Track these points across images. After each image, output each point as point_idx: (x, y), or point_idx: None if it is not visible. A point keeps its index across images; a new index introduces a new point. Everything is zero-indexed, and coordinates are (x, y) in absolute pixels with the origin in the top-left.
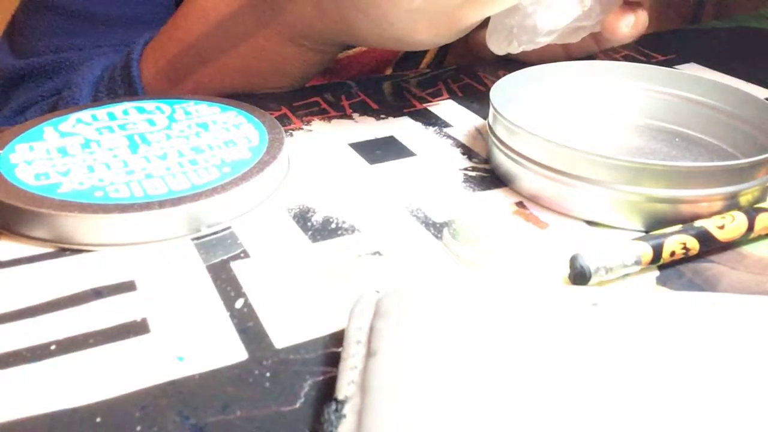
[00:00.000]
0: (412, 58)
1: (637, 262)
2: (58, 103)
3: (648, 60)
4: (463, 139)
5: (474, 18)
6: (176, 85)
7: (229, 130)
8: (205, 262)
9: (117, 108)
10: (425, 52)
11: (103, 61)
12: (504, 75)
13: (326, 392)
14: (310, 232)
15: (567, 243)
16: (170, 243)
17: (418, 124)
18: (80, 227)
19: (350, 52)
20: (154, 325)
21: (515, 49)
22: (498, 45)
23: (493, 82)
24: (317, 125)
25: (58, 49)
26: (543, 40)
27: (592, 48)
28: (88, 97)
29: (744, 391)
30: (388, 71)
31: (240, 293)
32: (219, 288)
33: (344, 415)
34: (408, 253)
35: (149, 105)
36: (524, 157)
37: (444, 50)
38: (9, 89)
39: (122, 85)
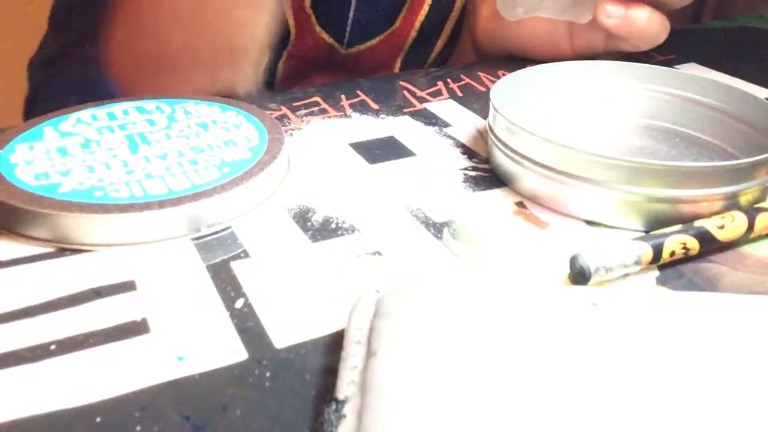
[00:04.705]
0: (421, 49)
1: (637, 262)
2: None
3: (648, 60)
4: (463, 139)
5: None
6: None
7: (229, 130)
8: (205, 262)
9: (117, 108)
10: (433, 44)
11: None
12: (504, 75)
13: (326, 392)
14: (310, 232)
15: (567, 243)
16: (170, 243)
17: (418, 124)
18: (80, 227)
19: (362, 46)
20: (154, 325)
21: (519, 14)
22: (506, 9)
23: (493, 82)
24: (317, 125)
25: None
26: (545, 6)
27: (599, 47)
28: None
29: (744, 391)
30: (398, 64)
31: (240, 293)
32: (219, 288)
33: (344, 415)
34: (408, 253)
35: (149, 105)
36: (524, 157)
37: (452, 43)
38: (42, 99)
39: None
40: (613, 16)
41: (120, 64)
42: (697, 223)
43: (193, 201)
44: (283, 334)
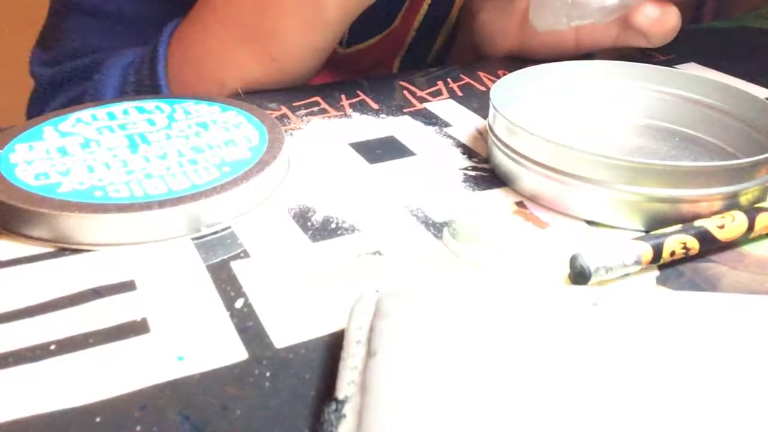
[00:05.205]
0: (420, 48)
1: (637, 262)
2: (87, 91)
3: (648, 60)
4: (463, 139)
5: None
6: (190, 48)
7: (229, 129)
8: (205, 262)
9: (117, 108)
10: (433, 43)
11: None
12: (504, 75)
13: (326, 392)
14: (310, 232)
15: (567, 243)
16: (170, 243)
17: (418, 124)
18: (80, 227)
19: (361, 46)
20: (154, 325)
21: (564, 25)
22: (543, 21)
23: (493, 82)
24: (317, 125)
25: (93, 50)
26: (594, 17)
27: (608, 44)
28: (116, 78)
29: (744, 391)
30: (396, 63)
31: (240, 293)
32: (219, 288)
33: (344, 415)
34: (408, 253)
35: (149, 105)
36: (524, 157)
37: (452, 42)
38: (49, 95)
39: (147, 68)
40: (650, 16)
41: (177, 62)
42: (697, 223)
43: (193, 201)
44: (283, 334)
